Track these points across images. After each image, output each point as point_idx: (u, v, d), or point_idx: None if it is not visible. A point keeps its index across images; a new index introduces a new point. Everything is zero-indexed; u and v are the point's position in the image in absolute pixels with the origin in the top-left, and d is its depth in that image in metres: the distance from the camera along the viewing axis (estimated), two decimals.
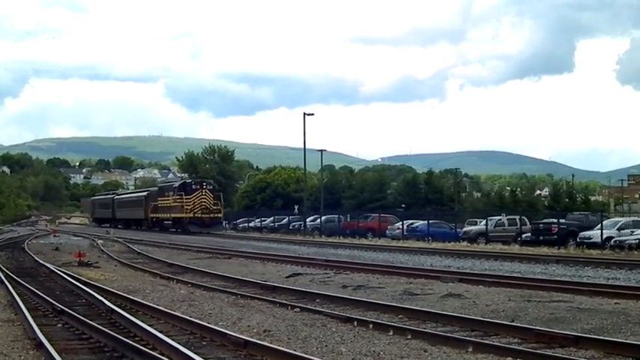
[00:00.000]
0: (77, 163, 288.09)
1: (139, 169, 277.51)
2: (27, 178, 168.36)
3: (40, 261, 28.07)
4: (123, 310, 14.32)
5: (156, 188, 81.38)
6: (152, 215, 73.31)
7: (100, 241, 44.54)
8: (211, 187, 68.93)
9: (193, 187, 67.53)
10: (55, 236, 54.19)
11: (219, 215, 68.10)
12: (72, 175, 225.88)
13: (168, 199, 69.31)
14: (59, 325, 13.37)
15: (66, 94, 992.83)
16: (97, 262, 28.76)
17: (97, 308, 15.34)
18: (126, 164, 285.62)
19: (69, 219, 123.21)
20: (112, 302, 15.29)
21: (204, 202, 65.98)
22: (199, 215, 65.28)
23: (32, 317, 13.31)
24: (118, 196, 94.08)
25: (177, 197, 66.71)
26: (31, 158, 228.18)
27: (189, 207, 65.18)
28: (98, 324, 12.60)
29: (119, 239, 47.73)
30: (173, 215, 67.85)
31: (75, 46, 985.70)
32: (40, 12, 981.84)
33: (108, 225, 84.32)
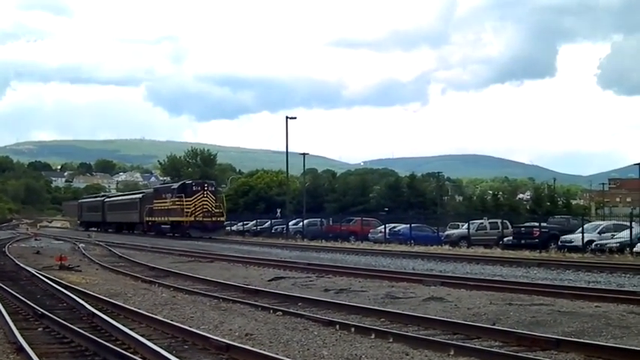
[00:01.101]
0: (59, 167, 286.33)
1: (121, 173, 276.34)
2: (8, 181, 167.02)
3: (21, 264, 27.93)
4: (104, 313, 14.27)
5: (152, 190, 77.71)
6: (148, 219, 69.43)
7: (81, 245, 44.36)
8: (213, 189, 65.11)
9: (194, 188, 63.07)
10: (36, 240, 53.99)
11: (222, 219, 64.21)
12: (53, 179, 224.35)
13: (165, 202, 65.56)
14: (40, 329, 13.32)
15: (47, 97, 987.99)
16: (78, 266, 28.63)
17: (78, 312, 15.28)
18: (108, 168, 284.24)
19: (50, 222, 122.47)
20: (93, 306, 15.22)
21: (206, 204, 61.98)
22: (201, 219, 61.18)
23: (13, 321, 13.23)
24: (109, 199, 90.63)
25: (177, 199, 62.53)
26: (12, 161, 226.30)
27: (189, 210, 61.20)
28: (79, 328, 12.55)
29: (101, 243, 47.56)
30: (172, 219, 63.85)
31: (56, 49, 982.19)
32: (21, 14, 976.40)
33: (96, 229, 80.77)
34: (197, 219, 60.99)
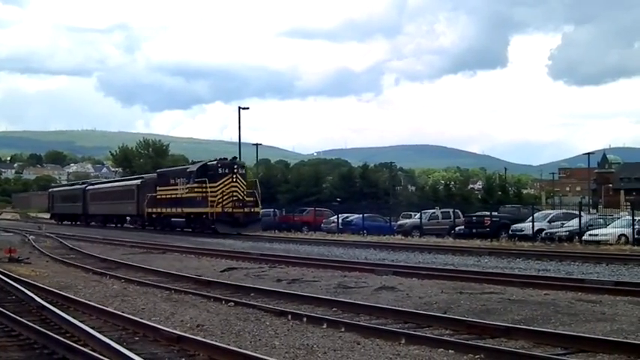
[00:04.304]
0: (8, 158, 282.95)
1: (72, 164, 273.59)
2: None
3: None
4: (54, 306, 14.09)
5: (153, 175, 63.20)
6: (150, 210, 56.98)
7: (31, 237, 43.83)
8: (243, 172, 51.59)
9: (220, 170, 49.65)
10: None
11: (257, 209, 50.91)
12: (3, 170, 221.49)
13: (176, 189, 53.28)
14: None
15: None
16: (28, 258, 28.24)
17: (27, 305, 15.07)
18: (59, 159, 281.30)
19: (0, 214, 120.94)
20: (42, 298, 15.04)
21: (237, 191, 49.05)
22: (230, 210, 48.45)
23: None
24: (92, 186, 77.76)
25: (196, 185, 49.91)
26: None
27: (215, 199, 48.29)
28: (28, 320, 12.37)
29: (51, 235, 47.03)
30: (188, 210, 51.20)
31: (6, 38, 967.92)
32: None
33: (70, 223, 74.59)
34: (225, 210, 48.53)
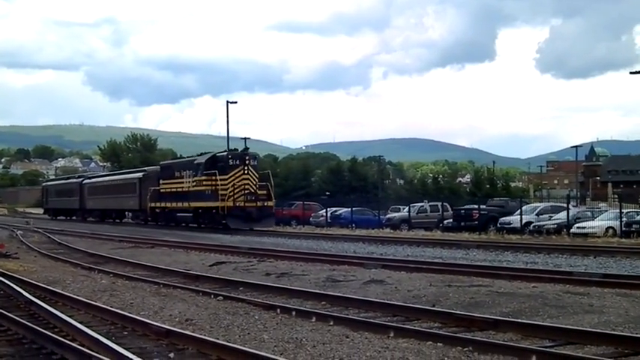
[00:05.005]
0: None
1: (60, 159, 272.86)
2: None
3: None
4: (42, 301, 14.06)
5: (156, 168, 60.50)
6: (153, 205, 54.45)
7: (19, 232, 43.70)
8: (255, 163, 48.22)
9: (231, 162, 46.62)
10: None
11: (271, 204, 47.59)
12: None
13: (181, 182, 50.74)
14: None
15: None
16: (16, 253, 28.13)
17: (15, 300, 15.02)
18: (46, 153, 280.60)
19: None
20: (30, 293, 15.00)
21: (249, 184, 46.21)
22: (242, 204, 45.52)
23: None
24: (89, 180, 74.66)
25: (205, 178, 47.31)
26: None
27: (226, 192, 45.48)
28: (16, 316, 12.35)
29: (39, 230, 46.91)
30: (196, 204, 48.49)
31: None
32: None
33: (65, 218, 72.84)
34: (237, 204, 45.57)
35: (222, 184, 45.49)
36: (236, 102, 71.34)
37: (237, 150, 49.71)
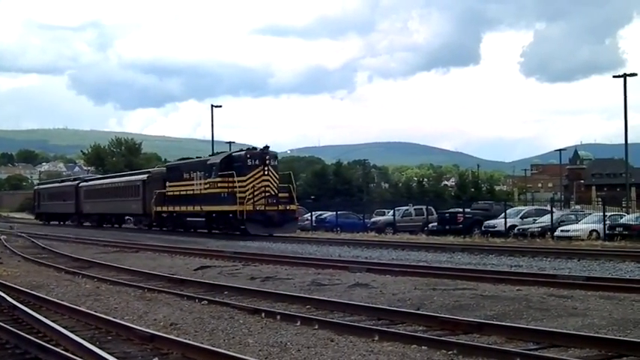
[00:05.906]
0: None
1: (43, 163, 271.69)
2: None
3: None
4: (26, 305, 14.02)
5: (161, 169, 56.96)
6: (159, 209, 50.30)
7: (2, 237, 43.48)
8: (276, 163, 44.04)
9: (249, 162, 42.31)
10: None
11: (294, 207, 43.25)
12: None
13: (191, 184, 46.68)
14: None
15: None
16: None
17: None
18: (30, 158, 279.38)
19: None
20: (14, 298, 14.93)
21: (269, 186, 42.00)
22: (262, 208, 41.40)
23: None
24: (86, 183, 69.43)
25: (220, 180, 43.07)
26: None
27: (244, 195, 41.10)
28: (0, 321, 12.31)
29: (23, 234, 46.70)
30: (209, 208, 44.38)
31: None
32: None
33: (58, 223, 70.79)
34: (257, 208, 41.43)
35: (240, 186, 41.33)
36: (221, 106, 71.50)
37: (256, 149, 44.81)
